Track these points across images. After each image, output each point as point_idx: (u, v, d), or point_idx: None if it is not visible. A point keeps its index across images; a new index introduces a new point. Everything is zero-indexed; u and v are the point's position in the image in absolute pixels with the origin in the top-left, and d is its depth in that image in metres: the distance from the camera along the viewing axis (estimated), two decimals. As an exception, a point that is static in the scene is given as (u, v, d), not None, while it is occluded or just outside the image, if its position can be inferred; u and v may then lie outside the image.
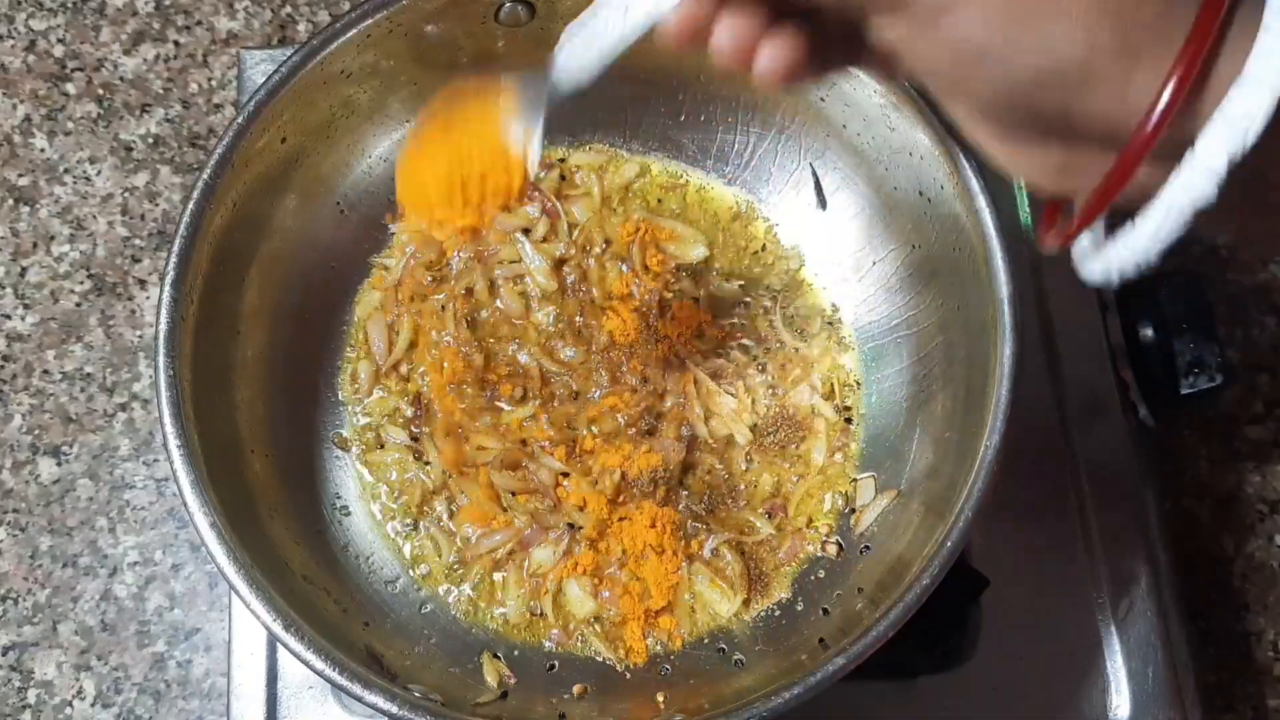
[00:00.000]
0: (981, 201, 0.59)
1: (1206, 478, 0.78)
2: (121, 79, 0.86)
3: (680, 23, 0.43)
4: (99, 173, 0.84)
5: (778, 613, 0.66)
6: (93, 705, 0.72)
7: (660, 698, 0.61)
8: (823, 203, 0.72)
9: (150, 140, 0.85)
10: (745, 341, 0.71)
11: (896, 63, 0.42)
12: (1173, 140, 0.36)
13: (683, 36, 0.43)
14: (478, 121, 0.51)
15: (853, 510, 0.67)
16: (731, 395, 0.69)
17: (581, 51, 0.46)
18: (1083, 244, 0.43)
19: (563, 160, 0.75)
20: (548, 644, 0.65)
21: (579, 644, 0.65)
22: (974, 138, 0.44)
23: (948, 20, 0.38)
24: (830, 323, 0.72)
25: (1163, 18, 0.36)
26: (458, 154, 0.51)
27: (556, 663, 0.65)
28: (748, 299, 0.72)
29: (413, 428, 0.69)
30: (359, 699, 0.53)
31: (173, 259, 0.59)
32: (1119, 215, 0.40)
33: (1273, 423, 0.80)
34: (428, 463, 0.68)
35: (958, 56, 0.39)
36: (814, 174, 0.72)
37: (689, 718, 0.56)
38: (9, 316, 0.80)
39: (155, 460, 0.77)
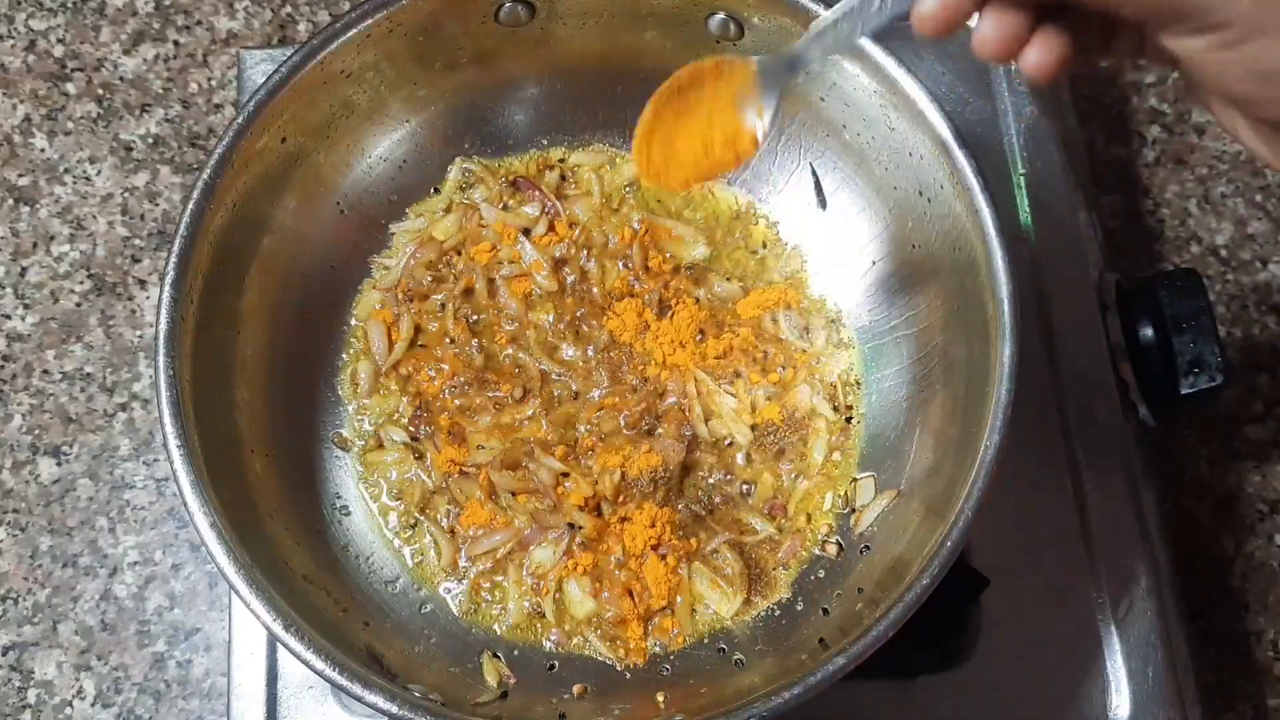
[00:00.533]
0: (981, 201, 0.59)
1: (1206, 478, 0.78)
2: (121, 79, 0.86)
3: (943, 7, 0.43)
4: (99, 173, 0.84)
5: (778, 613, 0.66)
6: (93, 705, 0.72)
7: (660, 698, 0.61)
8: (823, 203, 0.72)
9: (150, 140, 0.85)
10: (745, 341, 0.71)
11: (1185, 71, 0.42)
12: None
13: (941, 23, 0.43)
14: (712, 98, 0.55)
15: (853, 510, 0.67)
16: (731, 395, 0.69)
17: (837, 31, 0.50)
18: None
19: (563, 160, 0.75)
20: (548, 644, 0.65)
21: (579, 644, 0.65)
22: (1251, 146, 0.45)
23: (1262, 42, 0.38)
24: (830, 323, 0.72)
25: None
26: (693, 126, 0.56)
27: (556, 663, 0.65)
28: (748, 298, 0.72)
29: (413, 428, 0.69)
30: (359, 699, 0.53)
31: (173, 259, 0.59)
32: None
33: (1273, 422, 0.80)
34: (428, 463, 0.68)
35: (1260, 76, 0.40)
36: (814, 174, 0.72)
37: (689, 718, 0.56)
38: (9, 316, 0.80)
39: (155, 460, 0.77)
